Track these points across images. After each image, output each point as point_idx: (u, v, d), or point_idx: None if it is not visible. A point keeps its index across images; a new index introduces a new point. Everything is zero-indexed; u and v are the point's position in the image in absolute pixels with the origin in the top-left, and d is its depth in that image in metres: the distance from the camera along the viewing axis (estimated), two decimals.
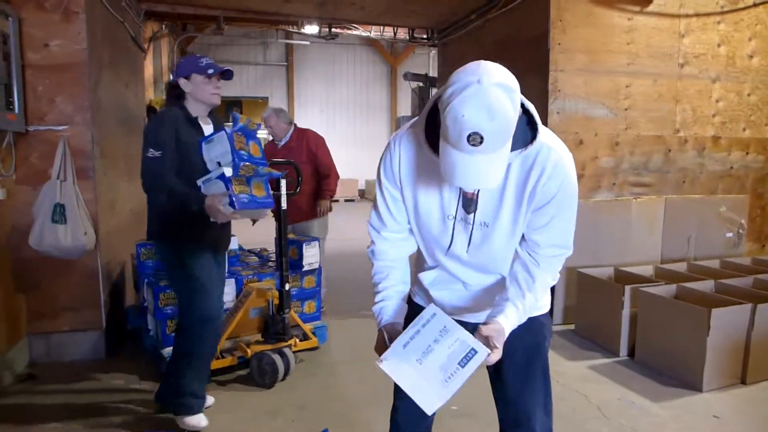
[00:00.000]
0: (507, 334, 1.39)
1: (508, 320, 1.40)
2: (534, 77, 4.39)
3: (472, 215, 1.45)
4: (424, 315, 1.40)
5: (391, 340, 1.42)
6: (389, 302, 1.56)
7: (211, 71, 2.58)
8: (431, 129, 1.35)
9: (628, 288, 3.67)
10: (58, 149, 3.31)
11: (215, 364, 3.20)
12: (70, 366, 3.46)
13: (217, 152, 2.41)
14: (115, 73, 4.24)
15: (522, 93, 1.35)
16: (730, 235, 4.78)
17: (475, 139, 1.15)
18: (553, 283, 1.55)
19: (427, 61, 14.45)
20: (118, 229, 4.17)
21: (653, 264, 4.31)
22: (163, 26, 7.41)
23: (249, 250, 4.39)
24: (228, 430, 2.76)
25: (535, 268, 1.47)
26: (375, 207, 1.58)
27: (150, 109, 5.77)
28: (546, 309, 1.67)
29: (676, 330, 3.34)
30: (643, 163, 4.65)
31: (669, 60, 4.59)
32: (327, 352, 3.76)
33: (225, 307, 3.44)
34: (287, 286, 3.27)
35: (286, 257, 3.26)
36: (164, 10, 5.39)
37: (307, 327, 3.66)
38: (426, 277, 1.63)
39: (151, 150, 2.47)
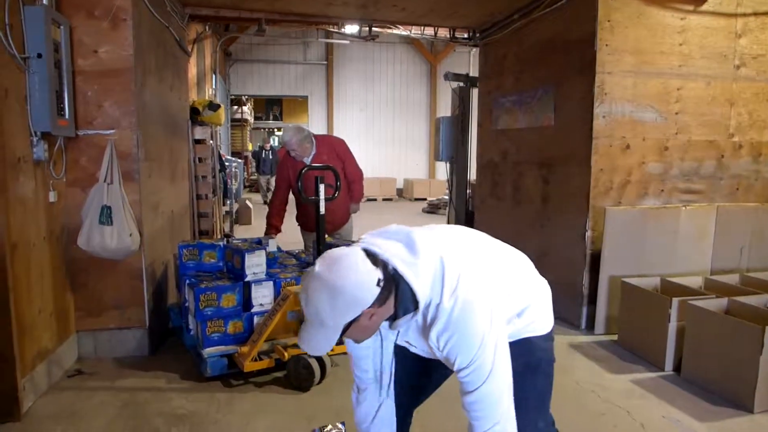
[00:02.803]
0: None
1: None
2: (579, 79, 4.25)
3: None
4: None
5: None
6: None
7: None
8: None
9: (675, 300, 3.53)
10: (105, 153, 3.41)
11: (252, 366, 3.24)
12: (116, 362, 3.57)
13: None
14: (160, 77, 4.33)
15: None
16: None
17: (302, 314, 1.45)
18: None
19: (468, 59, 14.28)
20: (161, 229, 4.27)
21: (702, 275, 4.13)
22: (207, 27, 7.53)
23: (287, 252, 4.42)
24: None
25: None
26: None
27: (193, 111, 5.86)
28: (541, 330, 1.64)
29: (726, 347, 3.19)
30: (694, 169, 4.46)
31: (724, 61, 4.40)
32: None
33: (263, 309, 3.49)
34: None
35: None
36: (208, 14, 5.48)
37: None
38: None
39: None
